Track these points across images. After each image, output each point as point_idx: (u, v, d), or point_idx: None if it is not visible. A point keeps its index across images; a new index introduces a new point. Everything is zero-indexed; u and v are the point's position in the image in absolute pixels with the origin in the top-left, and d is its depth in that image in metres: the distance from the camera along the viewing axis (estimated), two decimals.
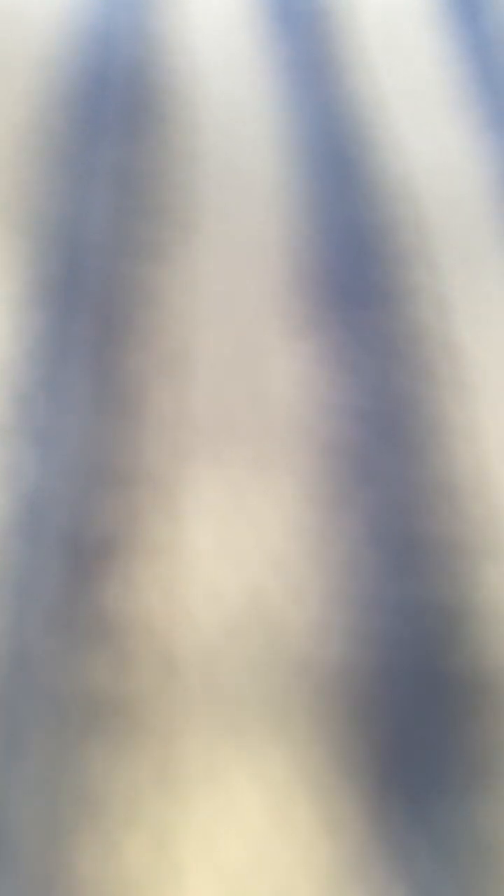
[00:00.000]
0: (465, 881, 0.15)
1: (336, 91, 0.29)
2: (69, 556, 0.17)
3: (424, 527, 0.19)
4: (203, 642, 0.17)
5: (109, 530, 0.18)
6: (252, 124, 0.27)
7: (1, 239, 0.22)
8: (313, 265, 0.23)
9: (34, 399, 0.19)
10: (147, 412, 0.20)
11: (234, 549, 0.18)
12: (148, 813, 0.15)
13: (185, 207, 0.24)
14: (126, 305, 0.22)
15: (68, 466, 0.19)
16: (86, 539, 0.18)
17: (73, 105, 0.26)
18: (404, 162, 0.27)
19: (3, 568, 0.17)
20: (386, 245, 0.25)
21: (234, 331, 0.21)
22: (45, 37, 0.28)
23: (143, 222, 0.23)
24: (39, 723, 0.15)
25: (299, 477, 0.19)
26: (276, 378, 0.21)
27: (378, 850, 0.15)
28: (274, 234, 0.24)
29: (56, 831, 0.15)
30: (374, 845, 0.15)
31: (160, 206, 0.24)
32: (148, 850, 0.14)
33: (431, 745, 0.16)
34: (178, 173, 0.25)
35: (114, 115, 0.26)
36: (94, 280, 0.22)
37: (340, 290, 0.23)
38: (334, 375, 0.21)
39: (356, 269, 0.24)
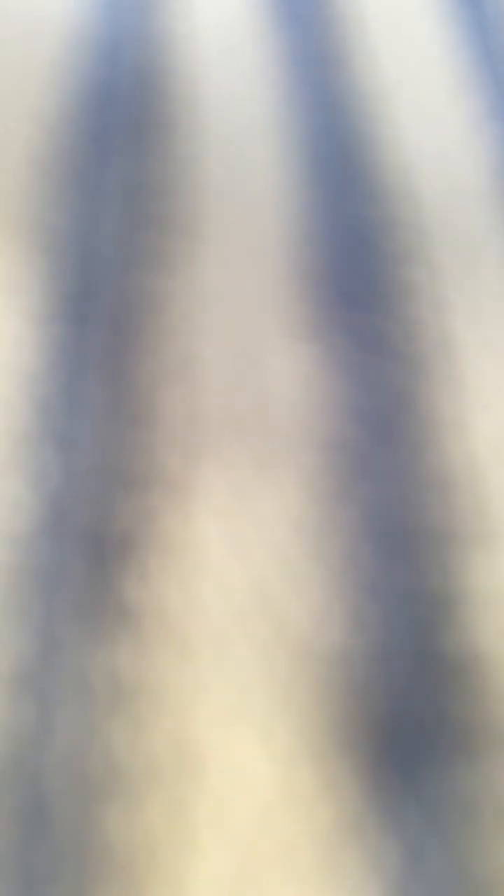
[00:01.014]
0: (450, 840, 0.16)
1: (337, 87, 0.29)
2: (91, 553, 0.19)
3: (419, 519, 0.20)
4: (214, 628, 0.18)
5: (127, 528, 0.19)
6: (254, 129, 0.27)
7: (20, 257, 0.23)
8: (314, 267, 0.24)
9: (55, 407, 0.21)
10: (158, 416, 0.21)
11: (240, 543, 0.19)
12: (166, 782, 0.16)
13: (191, 216, 0.25)
14: (136, 314, 0.23)
15: (88, 469, 0.20)
16: (106, 536, 0.19)
17: (81, 118, 0.27)
18: (405, 156, 0.28)
19: (32, 564, 0.18)
20: (385, 243, 0.25)
21: (238, 336, 0.22)
22: (51, 50, 0.28)
23: (150, 233, 0.24)
24: (68, 702, 0.17)
25: (301, 474, 0.20)
26: (278, 380, 0.22)
27: (373, 813, 0.16)
28: (275, 239, 0.25)
29: (85, 799, 0.16)
30: (370, 809, 0.16)
31: (166, 216, 0.25)
32: (166, 816, 0.16)
33: (422, 720, 0.17)
34: (184, 182, 0.26)
35: (121, 127, 0.27)
36: (106, 292, 0.23)
37: (341, 290, 0.24)
38: (334, 376, 0.22)
39: (356, 268, 0.24)
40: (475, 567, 0.19)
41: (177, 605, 0.18)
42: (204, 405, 0.21)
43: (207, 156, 0.26)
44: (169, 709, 0.17)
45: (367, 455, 0.21)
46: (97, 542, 0.19)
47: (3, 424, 0.20)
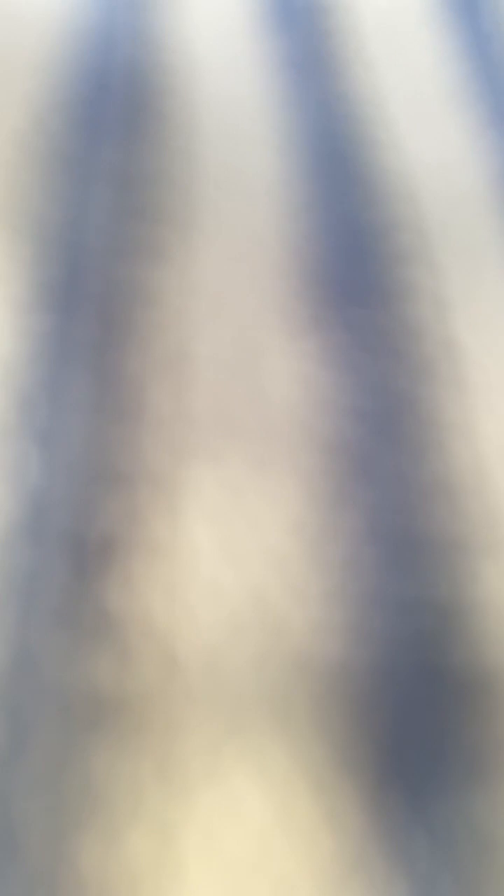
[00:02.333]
0: (463, 875, 0.15)
1: (335, 90, 0.29)
2: (71, 555, 0.17)
3: (423, 525, 0.19)
4: (204, 640, 0.17)
5: (111, 529, 0.18)
6: (251, 124, 0.27)
7: (3, 242, 0.22)
8: (312, 264, 0.23)
9: (36, 400, 0.20)
10: (147, 412, 0.20)
11: (234, 547, 0.18)
12: (151, 808, 0.15)
13: (184, 208, 0.24)
14: (126, 306, 0.22)
15: (70, 466, 0.19)
16: (88, 538, 0.18)
17: (72, 107, 0.26)
18: (404, 160, 0.27)
19: (7, 567, 0.17)
20: (385, 244, 0.25)
21: (233, 331, 0.22)
22: (44, 38, 0.28)
23: (142, 223, 0.24)
24: (43, 719, 0.16)
25: (299, 476, 0.19)
26: (275, 378, 0.21)
27: (378, 844, 0.15)
28: (273, 234, 0.24)
29: (60, 826, 0.15)
30: (375, 840, 0.15)
31: (159, 206, 0.24)
32: (150, 846, 0.15)
33: (431, 741, 0.16)
34: (177, 174, 0.25)
35: (112, 116, 0.26)
36: (94, 282, 0.22)
37: (339, 288, 0.23)
38: (333, 375, 0.21)
39: (355, 267, 0.24)
40: (484, 576, 0.18)
41: (164, 614, 0.17)
42: (195, 401, 0.20)
43: (202, 148, 0.26)
44: (153, 728, 0.16)
45: (368, 458, 0.20)
46: (78, 545, 0.18)
47: None
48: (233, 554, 0.18)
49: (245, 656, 0.17)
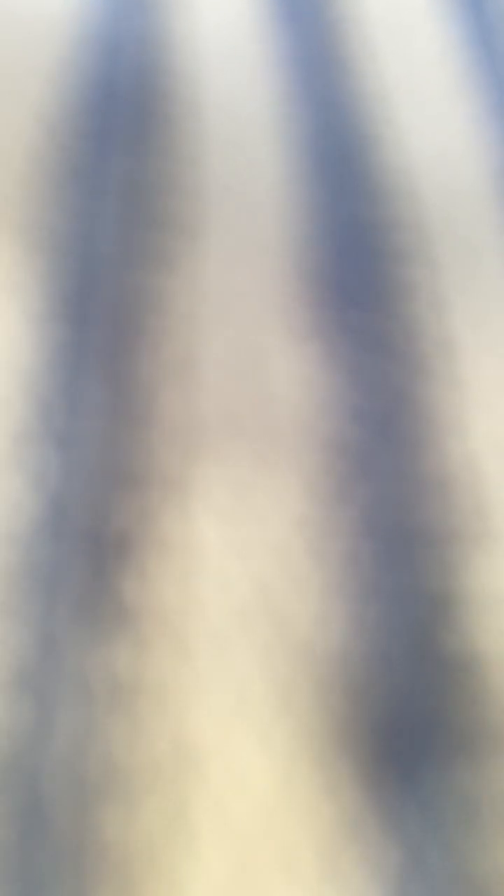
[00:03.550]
0: (450, 841, 0.16)
1: (339, 87, 0.29)
2: (90, 552, 0.19)
3: (418, 520, 0.20)
4: (213, 629, 0.18)
5: (126, 528, 0.19)
6: (256, 127, 0.27)
7: (20, 257, 0.23)
8: (314, 268, 0.24)
9: (55, 406, 0.21)
10: (158, 415, 0.21)
11: (240, 543, 0.19)
12: (166, 782, 0.16)
13: (191, 215, 0.25)
14: (137, 314, 0.23)
15: (87, 468, 0.20)
16: (104, 535, 0.19)
17: (82, 117, 0.27)
18: (406, 157, 0.28)
19: (31, 563, 0.18)
20: (385, 243, 0.25)
21: (238, 335, 0.22)
22: (52, 48, 0.28)
23: (151, 232, 0.24)
24: (67, 702, 0.17)
25: (301, 474, 0.20)
26: (278, 380, 0.22)
27: (373, 813, 0.16)
28: (276, 238, 0.25)
29: (84, 799, 0.16)
30: (370, 810, 0.16)
31: (167, 214, 0.25)
32: (165, 817, 0.16)
33: (422, 721, 0.17)
34: (184, 181, 0.26)
35: (121, 124, 0.27)
36: (106, 291, 0.23)
37: (341, 290, 0.24)
38: (334, 376, 0.22)
39: (356, 268, 0.24)
40: (476, 568, 0.19)
41: (176, 605, 0.18)
42: (204, 404, 0.21)
43: (208, 155, 0.26)
44: (168, 709, 0.17)
45: (367, 455, 0.21)
46: (96, 542, 0.19)
47: (2, 423, 0.20)
48: (239, 549, 0.19)
49: (251, 644, 0.18)
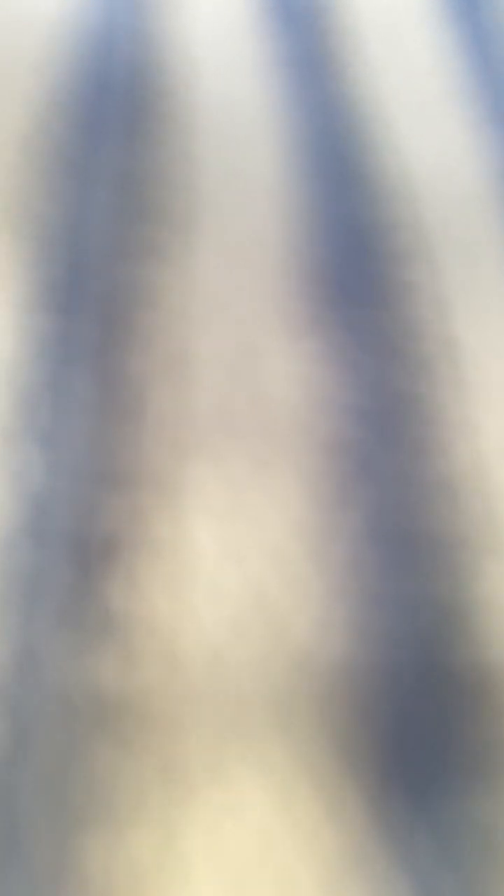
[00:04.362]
0: (464, 871, 0.15)
1: (335, 88, 0.29)
2: (75, 555, 0.18)
3: (424, 524, 0.19)
4: (207, 640, 0.17)
5: (113, 529, 0.18)
6: (251, 124, 0.27)
7: (5, 243, 0.22)
8: (312, 264, 0.24)
9: (38, 401, 0.20)
10: (149, 413, 0.20)
11: (235, 547, 0.18)
12: (154, 807, 0.15)
13: (185, 208, 0.24)
14: (127, 307, 0.22)
15: (73, 467, 0.19)
16: (90, 538, 0.18)
17: (74, 108, 0.26)
18: (403, 159, 0.27)
19: (12, 567, 0.17)
20: (385, 243, 0.25)
21: (233, 331, 0.22)
22: (45, 40, 0.28)
23: (143, 224, 0.24)
24: (46, 718, 0.16)
25: (299, 475, 0.19)
26: (275, 378, 0.21)
27: (380, 841, 0.15)
28: (273, 234, 0.24)
29: (64, 825, 0.15)
30: (377, 837, 0.15)
31: (160, 207, 0.24)
32: (154, 844, 0.15)
33: (431, 739, 0.16)
34: (178, 175, 0.25)
35: (113, 117, 0.26)
36: (95, 282, 0.22)
37: (339, 288, 0.23)
38: (333, 374, 0.21)
39: (355, 267, 0.24)
40: (485, 574, 0.18)
41: (166, 613, 0.17)
42: (197, 401, 0.20)
43: (202, 149, 0.26)
44: (157, 727, 0.16)
45: (369, 457, 0.20)
46: (81, 545, 0.18)
47: None
48: (234, 553, 0.18)
49: (247, 655, 0.17)
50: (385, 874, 0.15)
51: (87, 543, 0.18)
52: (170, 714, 0.16)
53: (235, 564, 0.18)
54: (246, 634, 0.17)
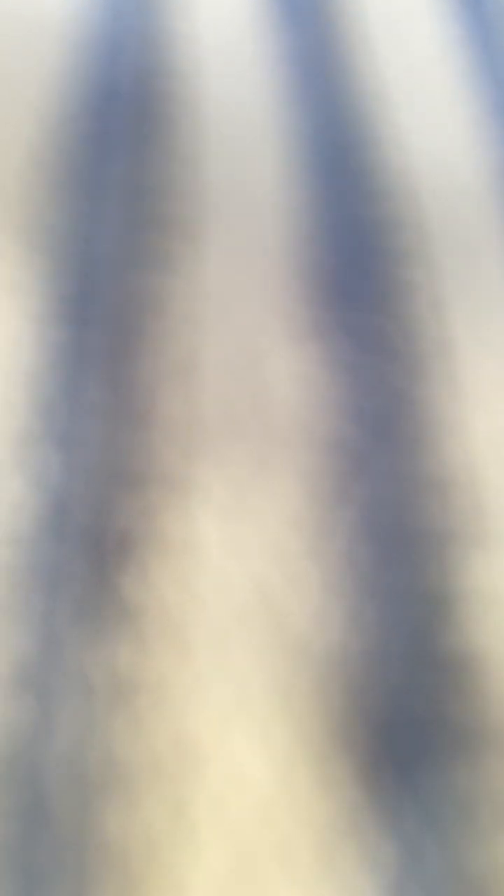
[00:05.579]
0: (448, 838, 0.16)
1: (339, 86, 0.29)
2: (91, 551, 0.19)
3: (417, 519, 0.20)
4: (213, 627, 0.18)
5: (127, 527, 0.19)
6: (255, 128, 0.27)
7: (21, 257, 0.23)
8: (314, 267, 0.24)
9: (56, 407, 0.21)
10: (158, 416, 0.21)
11: (239, 542, 0.19)
12: (165, 779, 0.16)
13: (191, 217, 0.25)
14: (137, 315, 0.23)
15: (88, 468, 0.20)
16: (106, 535, 0.19)
17: (82, 118, 0.27)
18: (405, 157, 0.28)
19: (33, 562, 0.19)
20: (385, 243, 0.25)
21: (238, 336, 0.23)
22: (53, 49, 0.29)
23: (151, 233, 0.24)
24: (68, 700, 0.17)
25: (299, 475, 0.20)
26: (277, 381, 0.22)
27: (370, 811, 0.16)
28: (276, 239, 0.25)
29: (85, 795, 0.16)
30: (367, 807, 0.16)
31: (167, 216, 0.25)
32: (166, 811, 0.16)
33: (420, 719, 0.17)
34: (184, 183, 0.26)
35: (121, 125, 0.27)
36: (106, 292, 0.23)
37: (340, 291, 0.24)
38: (333, 376, 0.22)
39: (355, 269, 0.24)
40: (474, 567, 0.19)
41: (176, 604, 0.18)
42: (204, 405, 0.21)
43: (208, 156, 0.26)
44: (168, 706, 0.17)
45: (365, 455, 0.21)
46: (97, 542, 0.19)
47: (3, 424, 0.20)
48: (238, 549, 0.19)
49: (250, 642, 0.18)
50: (374, 839, 0.16)
51: (102, 539, 0.19)
52: (180, 695, 0.17)
53: (239, 559, 0.19)
54: (249, 623, 0.18)
